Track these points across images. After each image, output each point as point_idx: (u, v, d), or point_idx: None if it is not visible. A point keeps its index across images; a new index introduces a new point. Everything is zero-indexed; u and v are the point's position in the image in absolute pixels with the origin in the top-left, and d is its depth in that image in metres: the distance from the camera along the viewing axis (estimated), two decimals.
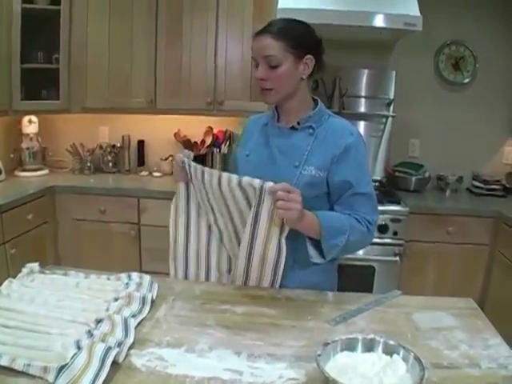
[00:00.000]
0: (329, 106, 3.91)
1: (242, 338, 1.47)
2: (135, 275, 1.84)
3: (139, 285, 1.76)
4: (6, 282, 1.76)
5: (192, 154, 1.98)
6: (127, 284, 1.75)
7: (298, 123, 1.89)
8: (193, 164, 1.89)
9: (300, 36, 1.81)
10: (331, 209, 1.89)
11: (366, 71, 4.05)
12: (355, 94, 4.06)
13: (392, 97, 4.04)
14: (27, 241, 3.39)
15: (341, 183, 1.84)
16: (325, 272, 1.96)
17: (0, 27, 3.58)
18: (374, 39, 3.79)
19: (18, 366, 1.28)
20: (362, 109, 4.10)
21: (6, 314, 1.53)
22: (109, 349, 1.30)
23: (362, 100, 4.10)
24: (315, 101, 1.95)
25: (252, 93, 3.79)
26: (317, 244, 1.77)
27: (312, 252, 1.79)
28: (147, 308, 1.61)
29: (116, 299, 1.63)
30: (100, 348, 1.30)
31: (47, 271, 1.89)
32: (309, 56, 1.81)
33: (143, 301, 1.62)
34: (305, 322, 1.59)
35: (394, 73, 4.04)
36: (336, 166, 1.83)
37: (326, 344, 1.30)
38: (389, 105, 4.05)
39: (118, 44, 3.91)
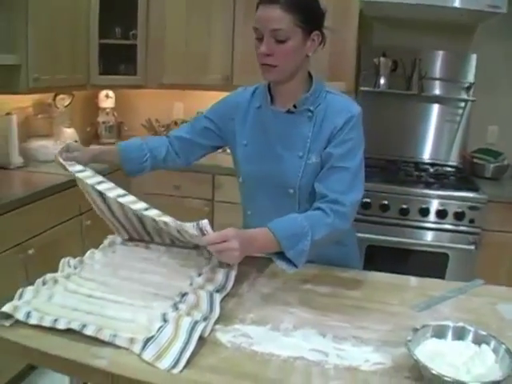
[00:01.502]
0: (407, 87, 3.83)
1: (326, 319, 1.45)
2: None
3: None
4: (88, 253, 1.79)
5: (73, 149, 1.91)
6: (209, 259, 1.75)
7: (295, 106, 1.76)
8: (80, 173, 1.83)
9: (311, 9, 1.66)
10: None
11: (445, 54, 3.93)
12: (433, 77, 3.95)
13: (472, 81, 3.91)
14: None
15: (324, 156, 1.72)
16: (345, 247, 1.91)
17: (79, 3, 3.65)
18: (454, 21, 3.67)
19: (104, 336, 1.29)
20: (439, 92, 3.98)
21: (89, 285, 1.56)
22: (195, 323, 1.31)
23: (438, 83, 3.98)
24: (311, 78, 1.80)
25: (330, 71, 3.67)
26: (283, 254, 1.58)
27: (281, 264, 1.58)
28: (230, 284, 1.59)
29: (199, 274, 1.63)
30: (186, 321, 1.31)
31: (129, 243, 1.91)
32: (317, 32, 1.68)
33: (227, 276, 1.61)
34: (389, 306, 1.56)
35: (475, 56, 3.90)
36: (330, 146, 1.72)
37: (416, 330, 1.27)
38: (468, 89, 3.92)
39: (195, 19, 3.91)
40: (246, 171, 1.90)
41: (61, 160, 1.84)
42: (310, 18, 1.65)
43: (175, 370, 1.20)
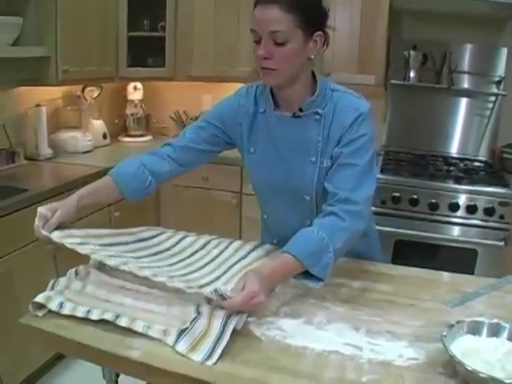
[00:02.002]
0: (437, 81, 3.79)
1: (359, 313, 1.45)
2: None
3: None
4: None
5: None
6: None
7: (301, 109, 1.67)
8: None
9: (311, 8, 1.54)
10: None
11: (475, 47, 3.87)
12: (463, 70, 3.90)
13: (503, 75, 3.86)
14: (130, 205, 3.46)
15: (334, 155, 1.65)
16: (367, 237, 1.87)
17: None
18: (485, 14, 3.60)
19: (138, 327, 1.30)
20: (469, 85, 3.93)
21: (122, 276, 1.56)
22: (229, 315, 1.31)
23: (469, 76, 3.93)
24: (314, 79, 1.69)
25: (360, 65, 3.67)
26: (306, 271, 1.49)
27: (307, 282, 1.49)
28: None
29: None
30: (220, 314, 1.31)
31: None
32: (319, 32, 1.56)
33: None
34: (422, 301, 1.55)
35: (506, 50, 3.84)
36: (340, 145, 1.64)
37: (451, 325, 1.26)
38: (498, 83, 3.86)
39: (224, 11, 3.89)
40: (257, 179, 1.85)
41: (44, 233, 1.57)
42: (312, 18, 1.54)
43: (209, 362, 1.20)
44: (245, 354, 1.25)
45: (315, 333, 1.34)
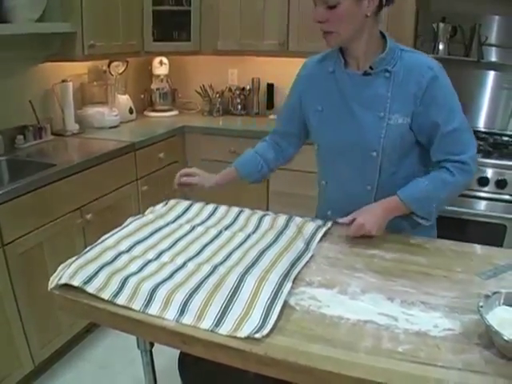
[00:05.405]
0: (466, 54, 3.73)
1: (393, 284, 1.44)
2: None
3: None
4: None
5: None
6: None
7: (371, 67, 1.70)
8: None
9: None
10: (421, 158, 1.81)
11: (505, 19, 3.79)
12: (493, 43, 3.83)
13: None
14: (158, 179, 3.51)
15: (428, 126, 1.69)
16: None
17: None
18: None
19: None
20: (498, 58, 3.86)
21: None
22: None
23: (498, 49, 3.85)
24: (384, 38, 1.72)
25: (389, 35, 3.58)
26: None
27: (416, 218, 1.75)
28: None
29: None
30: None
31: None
32: None
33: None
34: (455, 273, 1.53)
35: None
36: (421, 109, 1.67)
37: (488, 296, 1.25)
38: None
39: None
40: (324, 137, 1.87)
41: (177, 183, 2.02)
42: None
43: (258, 335, 1.19)
44: (280, 323, 1.24)
45: (350, 303, 1.34)
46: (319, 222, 1.85)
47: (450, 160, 1.70)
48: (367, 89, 1.72)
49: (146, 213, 1.90)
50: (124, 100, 3.97)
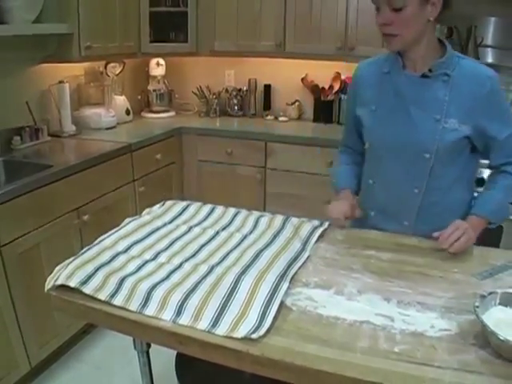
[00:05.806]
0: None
1: (390, 285, 1.45)
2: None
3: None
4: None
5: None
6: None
7: (430, 70, 1.72)
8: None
9: None
10: (467, 164, 1.83)
11: (501, 21, 3.80)
12: (489, 44, 3.84)
13: None
14: (155, 180, 3.52)
15: (486, 134, 1.72)
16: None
17: None
18: None
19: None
20: (493, 60, 3.87)
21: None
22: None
23: (494, 51, 3.87)
24: (441, 43, 1.75)
25: None
26: None
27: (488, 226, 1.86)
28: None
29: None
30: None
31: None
32: None
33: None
34: (451, 273, 1.54)
35: None
36: (482, 117, 1.70)
37: (483, 296, 1.26)
38: None
39: None
40: (377, 135, 1.88)
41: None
42: None
43: (254, 335, 1.19)
44: (276, 323, 1.25)
45: (346, 303, 1.35)
46: (316, 222, 1.86)
47: (511, 163, 1.79)
48: (425, 91, 1.74)
49: (143, 214, 1.90)
50: (121, 101, 3.97)
